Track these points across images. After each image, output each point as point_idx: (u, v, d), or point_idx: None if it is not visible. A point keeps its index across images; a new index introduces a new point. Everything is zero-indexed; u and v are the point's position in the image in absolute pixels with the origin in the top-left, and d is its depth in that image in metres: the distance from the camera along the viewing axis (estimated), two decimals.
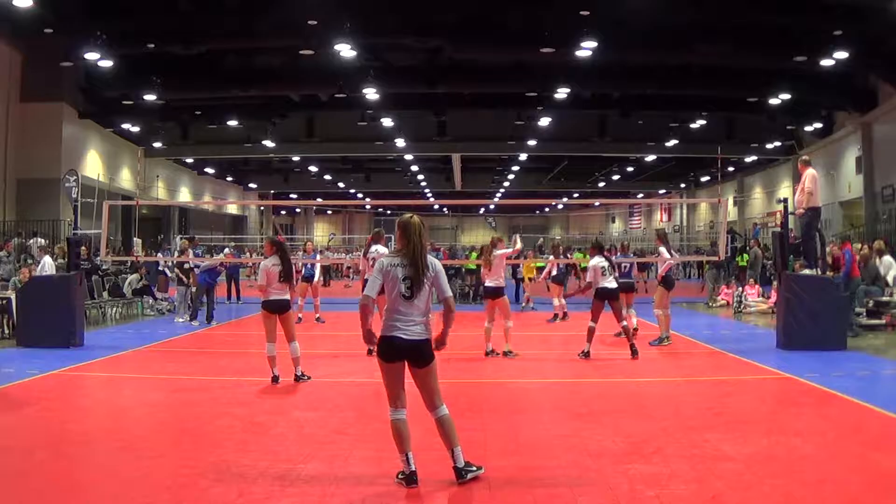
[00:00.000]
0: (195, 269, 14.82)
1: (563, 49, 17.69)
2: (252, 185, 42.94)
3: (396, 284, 4.70)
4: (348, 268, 32.57)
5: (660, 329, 11.16)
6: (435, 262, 4.87)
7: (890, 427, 6.16)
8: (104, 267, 17.26)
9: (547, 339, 12.71)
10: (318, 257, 17.02)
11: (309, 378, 8.21)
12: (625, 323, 9.99)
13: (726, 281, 19.04)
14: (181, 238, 23.03)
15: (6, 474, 4.88)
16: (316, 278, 15.12)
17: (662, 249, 11.53)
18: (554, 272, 15.79)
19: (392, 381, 4.74)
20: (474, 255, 20.90)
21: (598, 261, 9.94)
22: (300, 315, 14.64)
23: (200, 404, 7.20)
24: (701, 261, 25.72)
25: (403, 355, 4.70)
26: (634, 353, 9.71)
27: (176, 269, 15.47)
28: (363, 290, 4.88)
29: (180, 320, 14.58)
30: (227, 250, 16.27)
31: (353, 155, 34.52)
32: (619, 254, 13.61)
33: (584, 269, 11.66)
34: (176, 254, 19.03)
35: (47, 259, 12.97)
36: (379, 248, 10.40)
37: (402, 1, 16.56)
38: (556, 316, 15.12)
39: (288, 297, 8.22)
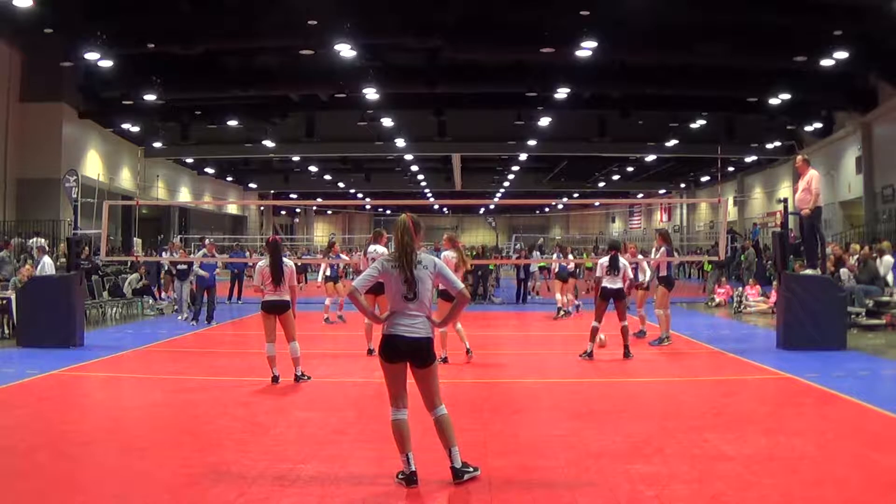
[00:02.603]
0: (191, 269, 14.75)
1: (563, 49, 17.68)
2: (252, 185, 42.94)
3: (398, 286, 4.70)
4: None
5: (660, 329, 11.17)
6: (434, 260, 4.85)
7: (890, 427, 6.16)
8: (105, 267, 17.26)
9: (547, 339, 12.70)
10: (343, 257, 16.92)
11: (309, 378, 8.20)
12: (625, 323, 9.98)
13: (718, 279, 19.03)
14: (179, 237, 23.00)
15: (6, 474, 4.87)
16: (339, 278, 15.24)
17: (664, 249, 11.50)
18: (556, 269, 15.90)
19: (393, 381, 4.74)
20: (472, 254, 20.93)
21: (604, 259, 10.02)
22: (339, 314, 14.52)
23: (200, 404, 7.20)
24: (701, 261, 25.72)
25: (405, 355, 4.70)
26: (627, 354, 9.73)
27: (169, 266, 15.49)
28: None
29: (182, 318, 14.70)
30: (207, 241, 15.97)
31: (353, 155, 34.46)
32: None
33: (589, 269, 11.77)
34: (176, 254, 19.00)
35: (46, 259, 12.94)
36: (377, 248, 10.40)
37: (402, 1, 16.56)
38: (559, 310, 15.20)
39: (286, 297, 8.14)
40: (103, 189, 22.22)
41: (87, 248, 16.63)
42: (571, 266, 16.34)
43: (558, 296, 15.54)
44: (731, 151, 30.37)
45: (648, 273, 12.11)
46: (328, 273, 14.82)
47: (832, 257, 14.38)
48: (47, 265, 12.72)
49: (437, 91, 21.86)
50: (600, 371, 9.16)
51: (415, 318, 4.70)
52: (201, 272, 14.06)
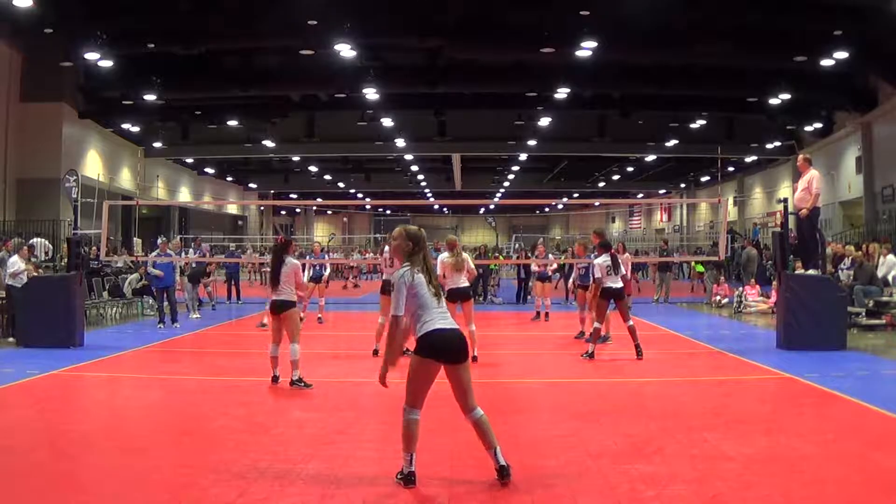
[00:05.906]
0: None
1: (563, 49, 17.70)
2: (252, 185, 42.97)
3: (424, 292, 4.76)
4: (350, 268, 32.21)
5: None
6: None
7: (890, 427, 6.16)
8: (104, 266, 17.25)
9: (548, 339, 12.69)
10: (327, 257, 17.01)
11: (308, 386, 7.77)
12: (630, 322, 9.94)
13: (716, 279, 19.02)
14: (179, 237, 22.99)
15: (6, 474, 4.87)
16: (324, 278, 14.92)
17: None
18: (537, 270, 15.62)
19: (422, 381, 4.67)
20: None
21: (603, 259, 9.97)
22: (302, 315, 14.41)
23: (200, 404, 7.19)
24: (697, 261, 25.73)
25: (442, 353, 4.65)
26: (639, 354, 9.69)
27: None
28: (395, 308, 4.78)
29: (196, 316, 15.08)
30: (160, 240, 15.66)
31: (353, 155, 34.54)
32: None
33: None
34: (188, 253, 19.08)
35: (14, 259, 12.24)
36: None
37: (402, 1, 16.57)
38: (538, 314, 14.98)
39: (286, 297, 7.88)
40: (103, 189, 22.24)
41: (95, 248, 16.64)
42: (553, 267, 15.98)
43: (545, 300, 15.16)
44: (731, 151, 30.41)
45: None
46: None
47: (831, 256, 14.36)
48: (14, 265, 11.97)
49: (437, 91, 21.88)
50: (600, 371, 9.16)
51: (447, 316, 4.79)
52: (155, 272, 13.63)
